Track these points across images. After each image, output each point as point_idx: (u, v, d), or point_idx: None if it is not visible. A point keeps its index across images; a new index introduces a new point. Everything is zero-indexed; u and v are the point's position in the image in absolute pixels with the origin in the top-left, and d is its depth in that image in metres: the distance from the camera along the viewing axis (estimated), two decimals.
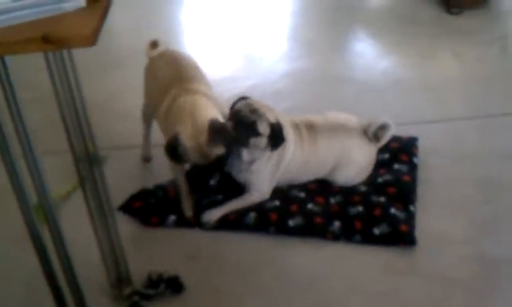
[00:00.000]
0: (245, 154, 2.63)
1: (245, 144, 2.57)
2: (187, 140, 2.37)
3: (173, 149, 2.39)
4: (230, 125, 2.53)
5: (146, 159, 3.13)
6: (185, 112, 2.44)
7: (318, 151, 2.77)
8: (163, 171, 2.86)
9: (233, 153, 2.64)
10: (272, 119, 2.57)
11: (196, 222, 2.66)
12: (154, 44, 2.88)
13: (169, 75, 2.68)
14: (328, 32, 4.92)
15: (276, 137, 2.58)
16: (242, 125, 2.54)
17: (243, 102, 2.64)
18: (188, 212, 2.69)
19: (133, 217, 2.71)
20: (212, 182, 2.69)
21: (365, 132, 2.85)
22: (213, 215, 2.65)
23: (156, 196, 2.80)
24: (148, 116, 2.98)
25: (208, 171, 2.59)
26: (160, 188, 2.85)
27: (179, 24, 5.47)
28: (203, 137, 2.37)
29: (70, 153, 1.87)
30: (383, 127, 2.86)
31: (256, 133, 2.54)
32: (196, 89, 2.58)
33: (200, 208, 2.70)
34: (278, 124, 2.58)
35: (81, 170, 1.91)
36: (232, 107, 2.66)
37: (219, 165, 2.51)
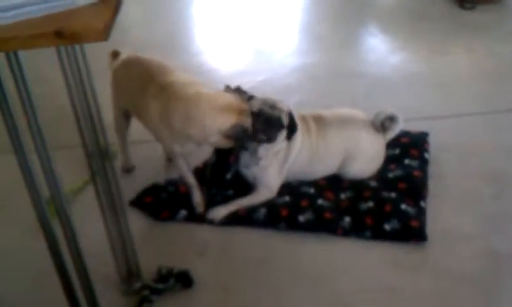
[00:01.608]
0: (262, 150, 2.63)
1: (273, 140, 2.59)
2: (245, 122, 2.42)
3: (245, 136, 2.45)
4: (257, 125, 2.53)
5: (128, 170, 3.05)
6: (213, 105, 2.39)
7: (327, 143, 2.77)
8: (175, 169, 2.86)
9: (244, 150, 2.66)
10: (286, 109, 2.61)
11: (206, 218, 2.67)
12: (115, 54, 2.84)
13: (144, 74, 2.59)
14: (339, 27, 4.91)
15: (292, 126, 2.62)
16: (270, 122, 2.55)
17: (256, 100, 2.62)
18: (199, 207, 2.70)
19: (144, 212, 2.72)
20: (229, 176, 2.69)
21: (372, 122, 2.86)
22: (219, 212, 2.66)
23: (167, 191, 2.81)
24: (123, 125, 2.94)
25: (227, 163, 2.64)
26: (171, 183, 2.85)
27: (190, 19, 5.48)
28: (247, 109, 2.46)
29: (82, 147, 1.88)
30: (391, 119, 2.86)
31: (283, 127, 2.57)
32: (177, 79, 2.53)
33: (211, 204, 2.71)
34: (291, 114, 2.62)
35: (93, 165, 1.91)
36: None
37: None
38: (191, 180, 2.71)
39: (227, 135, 2.41)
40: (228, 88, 2.61)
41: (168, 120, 2.45)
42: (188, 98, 2.42)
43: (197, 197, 2.70)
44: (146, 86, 2.52)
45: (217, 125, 2.38)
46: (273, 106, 2.58)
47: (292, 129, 2.62)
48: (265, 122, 2.55)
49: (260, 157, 2.65)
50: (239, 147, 2.59)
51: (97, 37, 1.34)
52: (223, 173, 2.68)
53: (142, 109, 2.58)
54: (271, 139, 2.59)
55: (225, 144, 2.48)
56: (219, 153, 2.67)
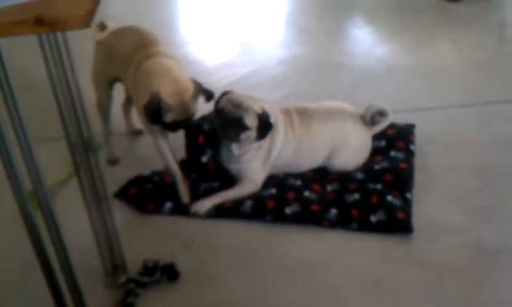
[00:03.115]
0: (235, 148, 2.63)
1: (236, 140, 2.57)
2: (168, 97, 2.43)
3: (155, 108, 2.44)
4: (217, 123, 2.56)
5: (114, 161, 3.03)
6: (160, 73, 2.50)
7: (311, 136, 2.76)
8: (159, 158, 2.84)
9: (224, 146, 2.66)
10: (258, 109, 2.55)
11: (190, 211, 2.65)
12: (102, 26, 2.85)
13: (133, 44, 2.69)
14: (325, 19, 4.89)
15: (264, 127, 2.57)
16: (229, 122, 2.53)
17: (225, 97, 2.60)
18: (185, 198, 2.68)
19: (129, 204, 2.69)
20: (204, 159, 2.67)
21: (362, 115, 2.85)
22: (203, 205, 2.64)
23: (152, 182, 2.78)
24: (106, 108, 2.95)
25: (197, 144, 2.65)
26: (156, 174, 2.83)
27: (175, 10, 5.44)
28: (188, 94, 2.47)
29: (66, 139, 1.85)
30: (381, 113, 2.86)
31: (245, 128, 2.53)
32: (162, 51, 2.64)
33: (197, 195, 2.68)
34: (264, 113, 2.56)
35: (76, 157, 1.88)
36: (217, 104, 2.62)
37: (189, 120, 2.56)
38: (174, 167, 2.69)
39: (146, 103, 2.45)
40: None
41: (136, 79, 2.56)
42: (158, 62, 2.55)
43: (181, 186, 2.68)
44: (137, 52, 2.62)
45: (154, 88, 2.45)
46: (238, 105, 2.53)
47: (263, 129, 2.57)
48: (224, 121, 2.54)
49: (236, 154, 2.65)
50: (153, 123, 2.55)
51: (78, 24, 1.32)
52: (198, 156, 2.67)
53: (127, 71, 2.63)
54: (231, 139, 2.58)
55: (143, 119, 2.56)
56: (189, 135, 2.67)
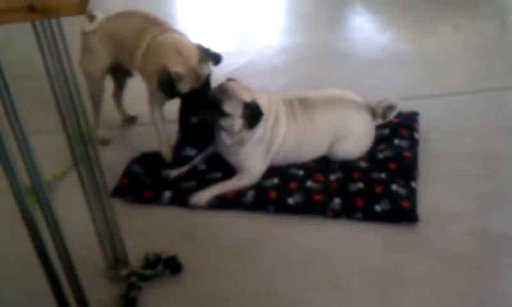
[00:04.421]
0: (225, 137, 2.62)
1: (215, 124, 2.58)
2: (177, 67, 2.49)
3: (168, 82, 2.50)
4: (201, 104, 2.58)
5: (104, 142, 3.08)
6: (166, 47, 2.58)
7: (315, 126, 2.73)
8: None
9: (217, 136, 2.68)
10: (247, 98, 2.52)
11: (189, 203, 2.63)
12: (91, 17, 2.82)
13: (139, 24, 2.74)
14: (325, 6, 4.85)
15: (253, 116, 2.53)
16: (209, 105, 2.53)
17: (221, 83, 2.59)
18: (167, 156, 2.76)
19: (127, 198, 2.67)
20: (194, 121, 2.67)
21: (373, 108, 2.83)
22: (202, 197, 2.61)
23: (135, 161, 2.84)
24: (99, 100, 2.96)
25: (192, 106, 2.64)
26: (143, 155, 2.90)
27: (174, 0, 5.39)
28: (194, 60, 2.52)
29: (64, 132, 1.81)
30: (390, 107, 2.83)
31: (222, 114, 2.51)
32: (169, 28, 2.72)
33: (178, 158, 2.75)
34: (254, 103, 2.53)
35: (75, 149, 1.85)
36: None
37: (206, 86, 2.60)
38: (163, 132, 2.77)
39: (158, 79, 2.52)
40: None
41: (146, 57, 2.63)
42: (165, 37, 2.63)
43: (165, 147, 2.77)
44: (147, 29, 2.68)
45: (161, 62, 2.52)
46: (224, 91, 2.52)
47: (252, 119, 2.53)
48: (206, 103, 2.55)
49: (227, 144, 2.64)
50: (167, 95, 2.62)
51: (72, 11, 1.28)
52: (188, 117, 2.68)
53: (135, 49, 2.69)
54: (211, 122, 2.59)
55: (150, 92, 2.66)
56: (185, 98, 2.65)
